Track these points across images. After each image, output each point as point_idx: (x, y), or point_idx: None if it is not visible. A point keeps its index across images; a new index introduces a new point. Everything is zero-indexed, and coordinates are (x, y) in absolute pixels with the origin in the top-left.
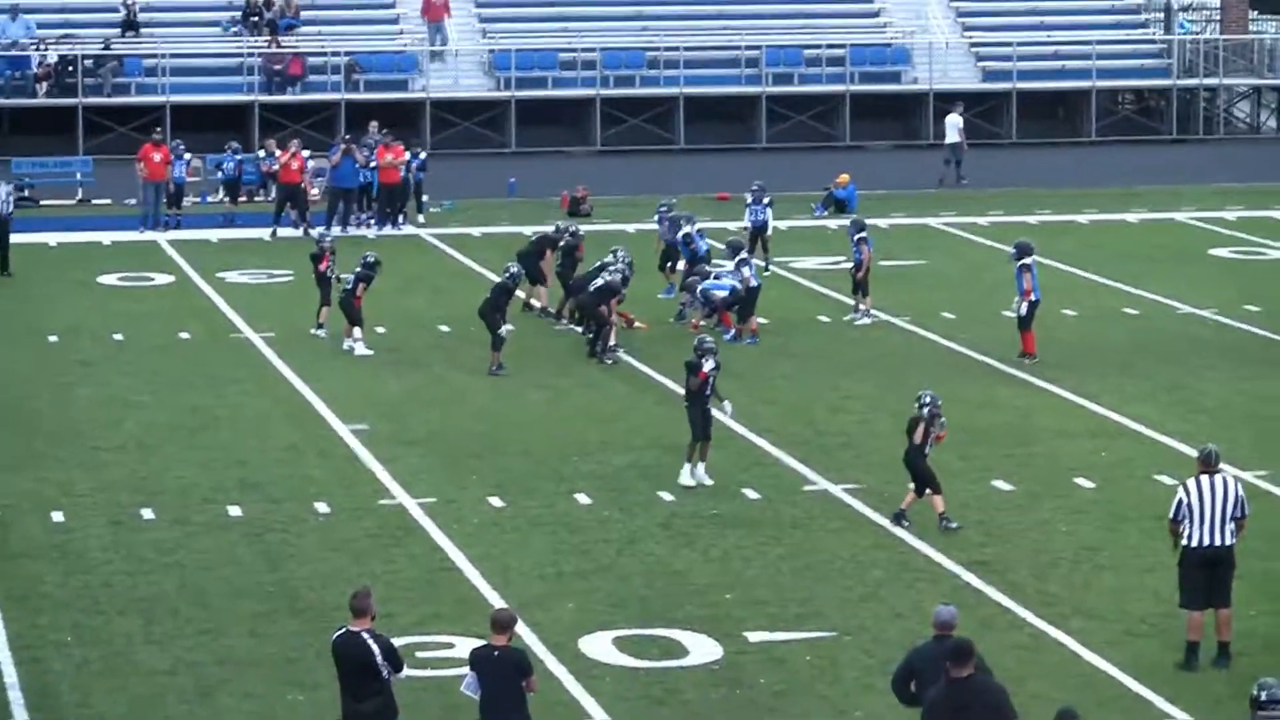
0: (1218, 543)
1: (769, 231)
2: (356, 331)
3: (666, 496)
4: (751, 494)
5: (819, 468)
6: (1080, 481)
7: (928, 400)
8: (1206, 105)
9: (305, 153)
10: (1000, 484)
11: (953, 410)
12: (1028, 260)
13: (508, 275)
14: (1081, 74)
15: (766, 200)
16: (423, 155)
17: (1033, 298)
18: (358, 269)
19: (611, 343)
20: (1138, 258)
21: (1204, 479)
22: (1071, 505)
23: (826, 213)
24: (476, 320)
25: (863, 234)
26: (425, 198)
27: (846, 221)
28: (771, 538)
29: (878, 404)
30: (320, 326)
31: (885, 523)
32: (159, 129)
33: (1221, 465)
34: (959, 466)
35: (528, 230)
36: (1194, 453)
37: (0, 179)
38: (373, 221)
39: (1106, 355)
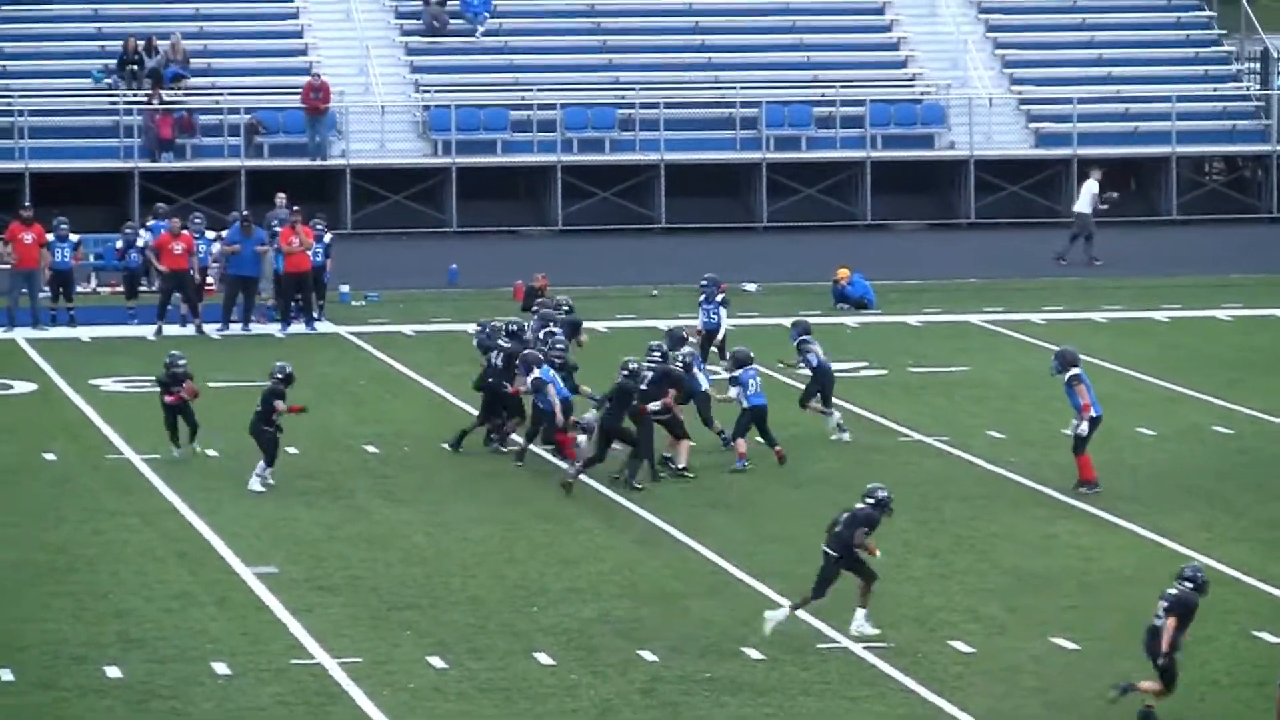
0: None
1: (721, 334)
2: (261, 464)
3: (648, 656)
4: (754, 654)
5: (837, 621)
6: None
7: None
8: None
9: (211, 234)
10: (1062, 641)
11: (1002, 551)
12: (1077, 370)
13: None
14: (1159, 138)
15: (720, 297)
16: (328, 238)
17: (1093, 413)
18: (269, 383)
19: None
20: (1230, 363)
21: None
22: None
23: (846, 308)
24: (410, 438)
25: (806, 337)
26: (345, 288)
27: (867, 319)
28: (778, 706)
29: (909, 543)
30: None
31: (920, 688)
32: (27, 204)
33: None
34: (1009, 619)
35: (470, 328)
36: None
37: None
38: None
39: (1191, 484)
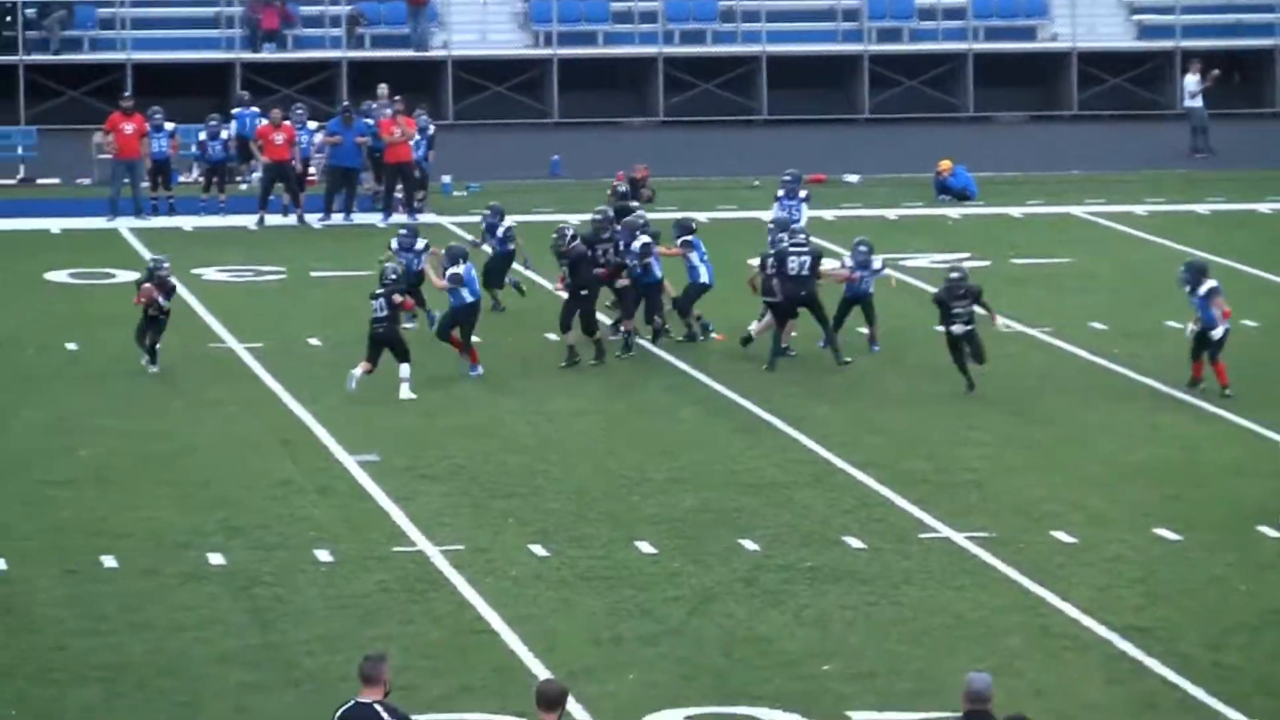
0: None
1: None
2: (404, 369)
3: (749, 545)
4: (855, 542)
5: (939, 511)
6: (1264, 530)
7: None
8: None
9: (313, 124)
10: (1164, 532)
11: (1104, 442)
12: (1215, 283)
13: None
14: (1263, 30)
15: (803, 194)
16: (430, 129)
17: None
18: (388, 277)
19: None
20: None
21: None
22: (1254, 559)
23: (948, 200)
24: (515, 329)
25: (688, 237)
26: (447, 179)
27: (969, 211)
28: (881, 595)
29: (1010, 435)
30: (151, 360)
31: (1023, 579)
32: (127, 94)
33: None
34: (1111, 511)
35: (574, 219)
36: None
37: None
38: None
39: None
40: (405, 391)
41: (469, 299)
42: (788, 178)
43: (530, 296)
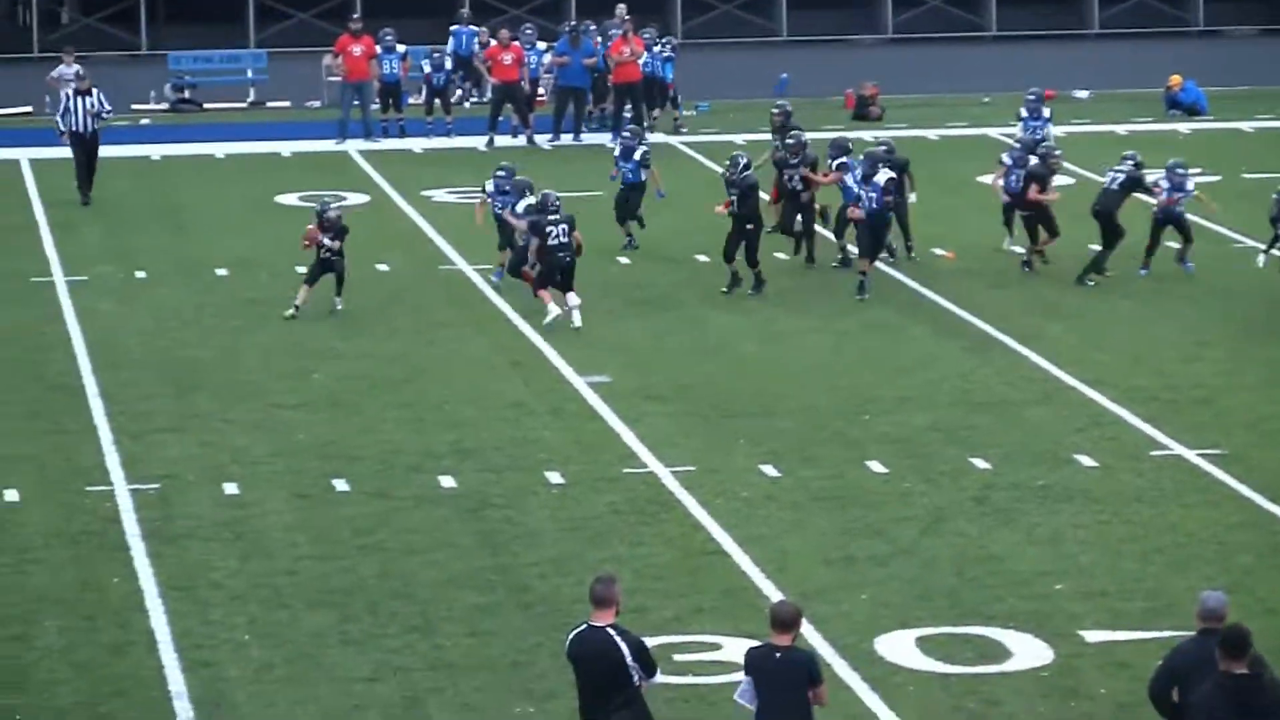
0: None
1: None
2: (572, 298)
3: (980, 464)
4: (1087, 460)
5: (1170, 428)
6: None
7: None
8: None
9: (542, 45)
10: None
11: None
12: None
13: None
14: None
15: (1046, 112)
16: (671, 47)
17: None
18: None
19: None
20: None
21: None
22: None
23: (1179, 114)
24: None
25: (843, 159)
26: (679, 98)
27: (1200, 126)
28: (1113, 514)
29: (1242, 352)
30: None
31: (1255, 496)
32: (356, 16)
33: None
34: None
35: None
36: None
37: (83, 84)
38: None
39: None
40: (577, 318)
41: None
42: (1031, 96)
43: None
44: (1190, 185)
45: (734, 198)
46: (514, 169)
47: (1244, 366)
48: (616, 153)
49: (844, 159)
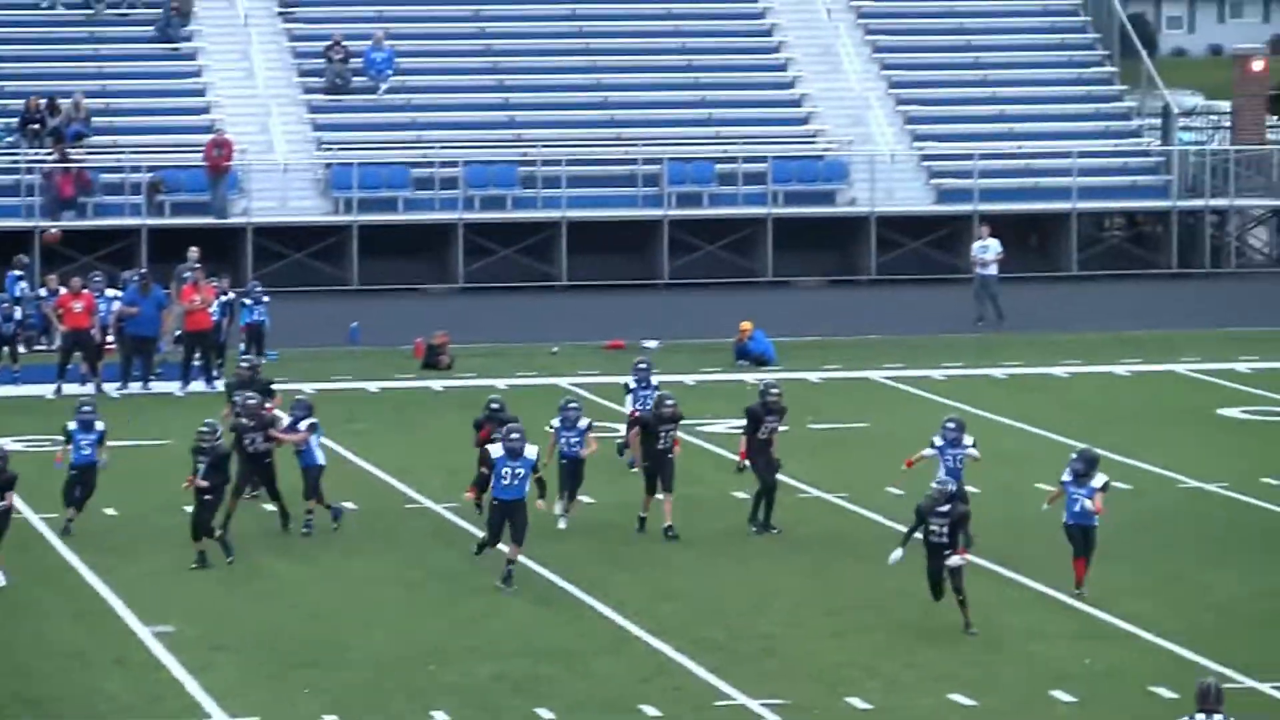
0: None
1: None
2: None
3: (546, 714)
4: (651, 710)
5: (734, 679)
6: (1059, 694)
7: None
8: (1214, 231)
9: (111, 292)
10: (959, 698)
11: (901, 607)
12: (1106, 479)
13: None
14: (1059, 194)
15: (655, 383)
16: (266, 299)
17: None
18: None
19: None
20: (1129, 419)
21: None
22: None
23: (746, 365)
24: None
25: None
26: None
27: (766, 377)
28: None
29: (806, 600)
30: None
31: None
32: None
33: (1222, 706)
34: (907, 676)
35: (372, 386)
36: (1200, 660)
37: None
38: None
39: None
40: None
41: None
42: (641, 365)
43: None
44: (968, 441)
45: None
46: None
47: (808, 617)
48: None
49: (314, 419)
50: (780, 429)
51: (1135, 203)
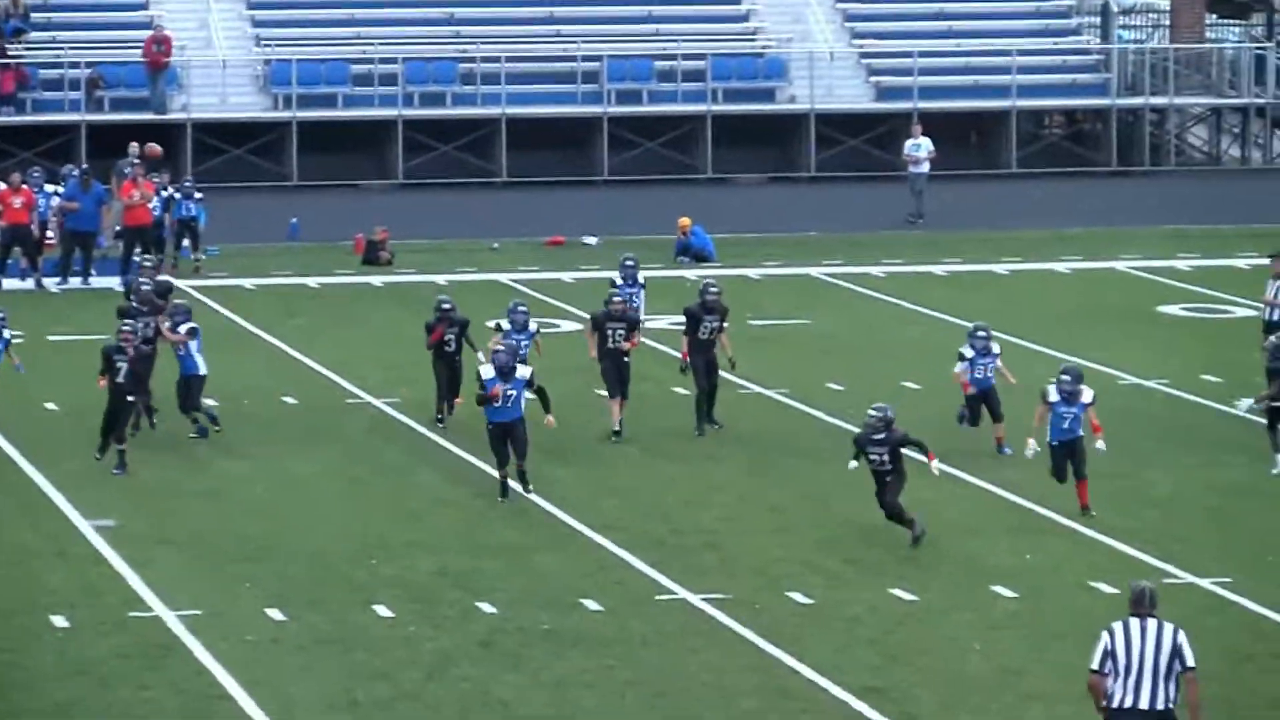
0: (1144, 705)
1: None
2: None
3: (486, 608)
4: (593, 605)
5: (676, 573)
6: (999, 590)
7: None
8: (1154, 130)
9: (51, 187)
10: (900, 593)
11: (842, 503)
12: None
13: None
14: (999, 91)
15: (642, 280)
16: (199, 195)
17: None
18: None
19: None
20: (1070, 317)
21: (1134, 622)
22: (988, 619)
23: (687, 261)
24: (251, 392)
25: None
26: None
27: (707, 272)
28: (618, 659)
29: (747, 496)
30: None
31: (759, 640)
32: None
33: (1157, 609)
34: (847, 571)
35: (312, 282)
36: (1140, 555)
37: None
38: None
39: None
40: None
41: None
42: (628, 263)
43: (267, 361)
44: (996, 349)
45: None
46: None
47: (748, 512)
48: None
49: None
50: (725, 326)
51: (1075, 100)
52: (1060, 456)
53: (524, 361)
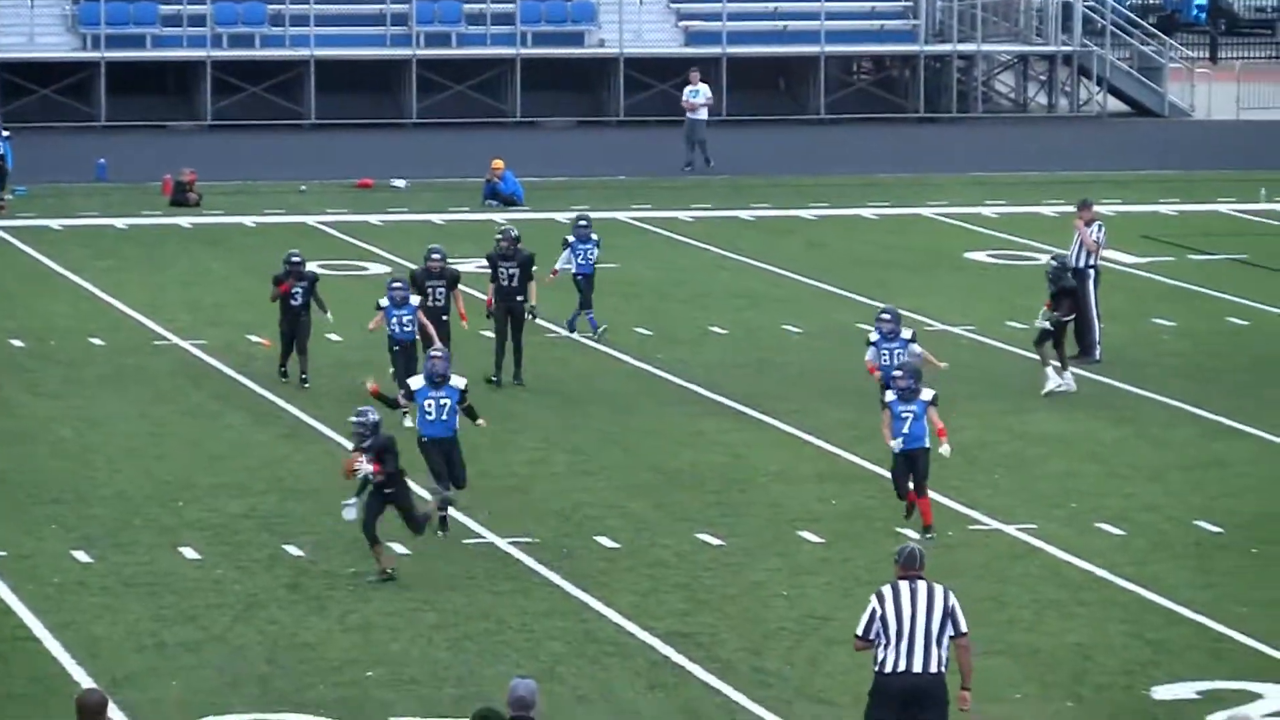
0: (917, 669)
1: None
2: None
3: (293, 551)
4: (399, 549)
5: (482, 515)
6: (805, 535)
7: None
8: (961, 77)
9: None
10: (707, 537)
11: (649, 447)
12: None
13: None
14: (808, 37)
15: (596, 238)
16: (6, 133)
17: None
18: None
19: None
20: (876, 263)
21: (903, 585)
22: (795, 564)
23: (495, 205)
24: (58, 333)
25: None
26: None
27: (516, 215)
28: (424, 602)
29: (554, 439)
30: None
31: (564, 584)
32: None
33: (924, 570)
34: (654, 516)
35: (120, 223)
36: (945, 500)
37: None
38: None
39: (837, 382)
40: None
41: None
42: (582, 222)
43: (74, 302)
44: (906, 334)
45: None
46: None
47: (555, 454)
48: None
49: None
50: (533, 273)
51: (883, 47)
52: (902, 467)
53: (409, 335)
